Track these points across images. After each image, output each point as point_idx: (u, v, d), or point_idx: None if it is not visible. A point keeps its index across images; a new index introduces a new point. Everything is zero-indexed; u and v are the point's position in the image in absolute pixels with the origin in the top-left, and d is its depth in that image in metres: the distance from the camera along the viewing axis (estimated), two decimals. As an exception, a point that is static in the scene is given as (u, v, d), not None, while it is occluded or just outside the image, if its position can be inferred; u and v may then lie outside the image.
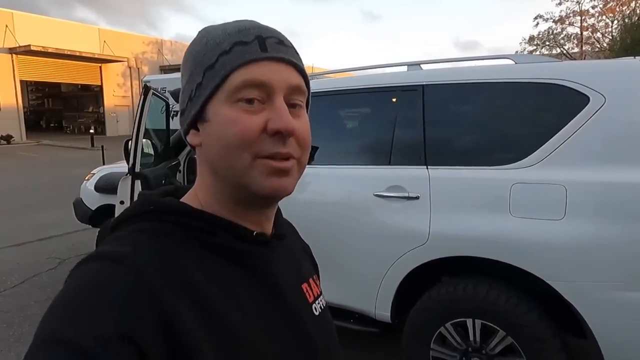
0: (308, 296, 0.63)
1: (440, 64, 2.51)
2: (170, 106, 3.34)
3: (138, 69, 26.14)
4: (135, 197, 2.46)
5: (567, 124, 1.88)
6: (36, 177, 10.98)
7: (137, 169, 2.47)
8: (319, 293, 0.67)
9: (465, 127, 2.17)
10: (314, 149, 2.56)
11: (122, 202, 2.51)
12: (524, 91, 2.01)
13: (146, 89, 2.45)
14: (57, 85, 26.98)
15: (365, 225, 2.27)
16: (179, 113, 0.57)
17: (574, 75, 1.91)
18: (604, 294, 1.75)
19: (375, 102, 2.43)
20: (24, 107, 22.49)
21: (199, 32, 0.56)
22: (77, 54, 21.56)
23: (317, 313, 0.63)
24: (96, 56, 22.85)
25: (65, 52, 21.04)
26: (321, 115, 2.57)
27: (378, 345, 2.80)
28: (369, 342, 2.74)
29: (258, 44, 0.51)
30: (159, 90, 2.86)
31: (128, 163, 2.70)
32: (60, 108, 29.12)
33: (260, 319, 0.52)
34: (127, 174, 2.50)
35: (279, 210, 0.65)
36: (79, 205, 3.81)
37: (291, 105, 0.53)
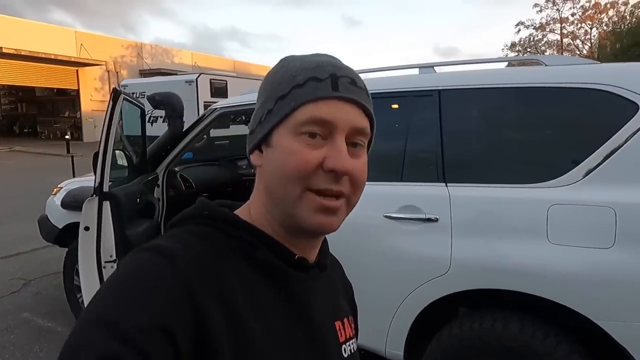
0: (340, 335, 0.62)
1: (456, 66, 2.23)
2: (147, 112, 2.99)
3: (117, 72, 25.39)
4: (104, 222, 2.10)
5: (612, 135, 1.61)
6: (6, 186, 10.36)
7: (106, 187, 2.10)
8: (351, 335, 0.65)
9: (491, 139, 1.89)
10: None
11: (87, 229, 2.13)
12: (560, 97, 1.75)
13: (116, 94, 2.09)
14: (31, 89, 25.97)
15: (374, 251, 1.97)
16: (248, 132, 0.59)
17: (619, 80, 1.65)
18: (665, 336, 1.48)
19: (383, 109, 2.14)
20: (-5, 112, 21.57)
21: (280, 60, 0.58)
22: (53, 57, 20.75)
23: (345, 355, 0.61)
24: (73, 59, 22.03)
25: (40, 55, 20.22)
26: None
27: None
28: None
29: (331, 83, 0.53)
30: (137, 95, 2.54)
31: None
32: (35, 113, 27.94)
33: (285, 343, 0.52)
34: (92, 195, 2.13)
35: (325, 243, 0.65)
36: (44, 223, 3.41)
37: (352, 144, 0.54)
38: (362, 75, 2.23)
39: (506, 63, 2.84)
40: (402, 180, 1.97)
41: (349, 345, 0.63)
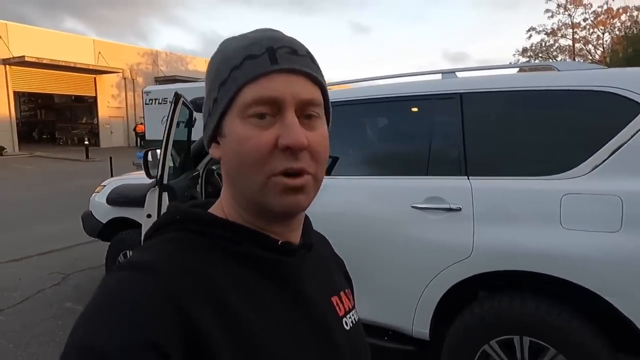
0: (338, 309, 0.62)
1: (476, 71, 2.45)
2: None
3: (133, 80, 26.03)
4: (163, 210, 2.35)
5: (618, 132, 1.81)
6: (31, 189, 10.76)
7: (165, 180, 2.36)
8: (350, 307, 0.66)
9: (508, 137, 2.10)
10: (333, 160, 2.48)
11: (149, 216, 2.39)
12: (571, 99, 1.95)
13: (177, 97, 2.35)
14: (50, 96, 26.72)
15: (402, 238, 2.18)
16: (203, 126, 0.57)
17: (624, 83, 1.85)
18: (666, 309, 1.67)
19: (411, 111, 2.36)
20: (16, 119, 22.21)
21: (220, 44, 0.56)
22: (72, 65, 21.40)
23: (347, 327, 0.62)
24: (91, 67, 22.71)
25: (60, 63, 20.88)
26: (355, 123, 2.50)
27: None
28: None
29: (268, 57, 0.50)
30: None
31: (148, 174, 2.59)
32: (53, 119, 28.76)
33: (286, 330, 0.52)
34: (155, 186, 2.39)
35: (308, 221, 0.64)
36: (88, 219, 3.68)
37: (305, 117, 0.52)
38: (387, 81, 2.46)
39: (517, 68, 3.04)
40: (428, 174, 2.19)
41: (350, 317, 0.64)
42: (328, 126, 0.56)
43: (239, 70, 0.50)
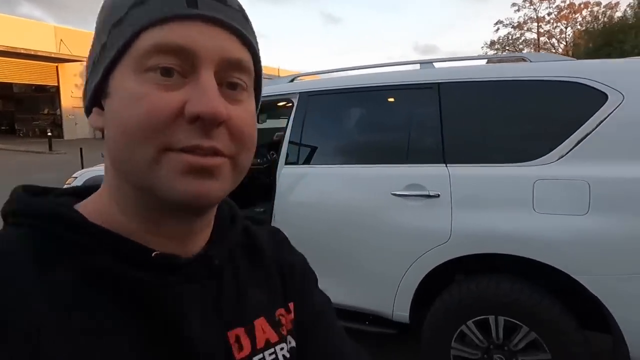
0: (235, 349, 0.44)
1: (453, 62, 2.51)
2: None
3: (98, 69, 25.11)
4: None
5: (586, 121, 1.91)
6: (-6, 183, 10.29)
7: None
8: (275, 340, 0.48)
9: (484, 125, 2.17)
10: (312, 150, 2.50)
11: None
12: (542, 89, 2.04)
13: None
14: (9, 85, 25.45)
15: (383, 224, 2.23)
16: (84, 83, 0.43)
17: (592, 74, 1.95)
18: (630, 286, 1.78)
19: (391, 101, 2.40)
20: (-28, 109, 21.12)
21: None
22: (32, 52, 20.43)
23: None
24: (53, 55, 21.75)
25: (19, 51, 19.90)
26: (337, 113, 2.52)
27: (391, 347, 2.76)
28: (378, 344, 2.71)
29: None
30: None
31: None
32: (12, 110, 27.46)
33: None
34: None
35: (227, 217, 0.49)
36: (59, 211, 3.57)
37: (230, 86, 0.39)
38: (367, 71, 2.50)
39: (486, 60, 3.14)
40: (407, 162, 2.24)
41: (261, 357, 0.46)
42: (257, 110, 0.45)
43: (141, 7, 0.37)
